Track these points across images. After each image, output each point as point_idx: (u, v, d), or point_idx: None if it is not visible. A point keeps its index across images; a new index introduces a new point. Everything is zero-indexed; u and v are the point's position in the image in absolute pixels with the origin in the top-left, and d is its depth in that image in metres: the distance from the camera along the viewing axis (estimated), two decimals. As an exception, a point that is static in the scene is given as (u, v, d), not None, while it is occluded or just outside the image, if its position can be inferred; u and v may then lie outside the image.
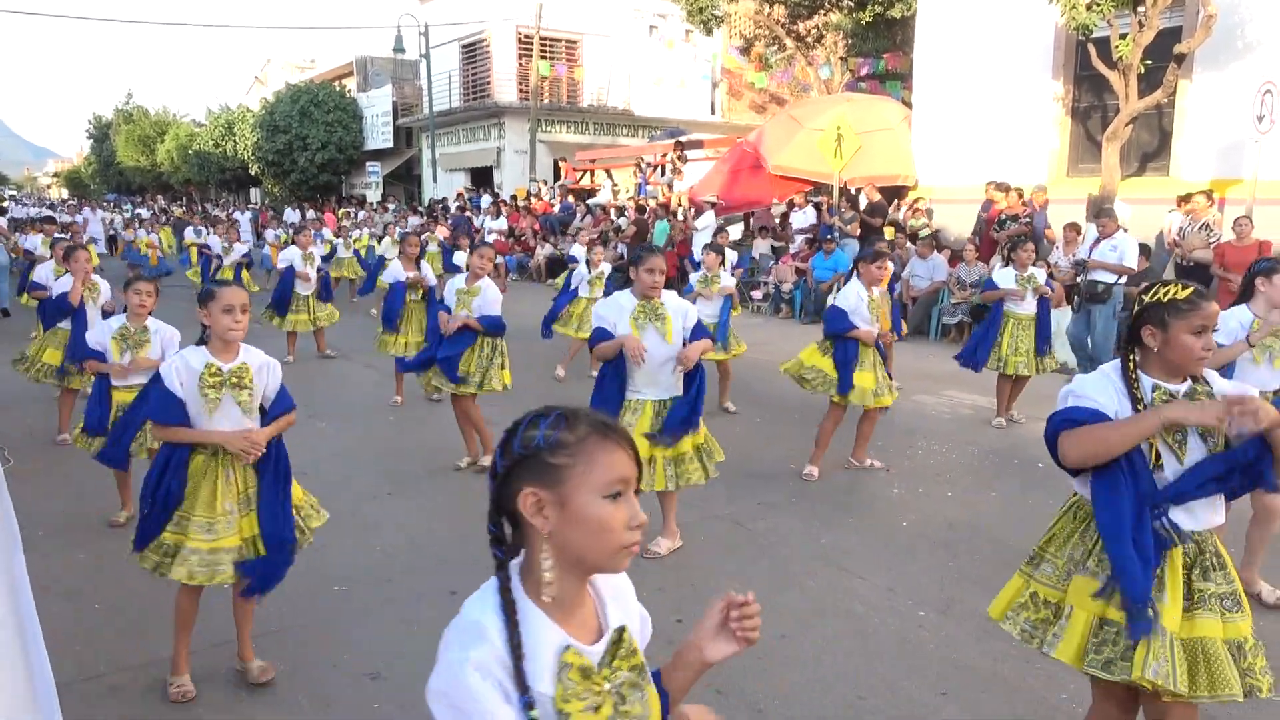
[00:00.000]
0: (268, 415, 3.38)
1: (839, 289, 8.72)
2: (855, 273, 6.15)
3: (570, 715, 1.24)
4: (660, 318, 4.44)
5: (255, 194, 43.05)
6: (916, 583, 4.41)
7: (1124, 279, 9.02)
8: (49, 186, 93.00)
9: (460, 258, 11.71)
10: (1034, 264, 7.47)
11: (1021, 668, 3.57)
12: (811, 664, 3.61)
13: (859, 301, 5.86)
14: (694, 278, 7.92)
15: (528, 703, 1.21)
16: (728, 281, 7.82)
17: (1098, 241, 9.27)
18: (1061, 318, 9.29)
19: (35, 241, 13.16)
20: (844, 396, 5.85)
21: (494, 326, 5.97)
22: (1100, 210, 9.38)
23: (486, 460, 5.88)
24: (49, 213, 24.59)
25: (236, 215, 25.60)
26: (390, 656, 3.66)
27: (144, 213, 29.65)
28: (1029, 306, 7.25)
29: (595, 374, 5.61)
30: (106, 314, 6.86)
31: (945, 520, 5.30)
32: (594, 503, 1.26)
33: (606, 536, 1.27)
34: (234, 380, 3.27)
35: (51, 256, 9.10)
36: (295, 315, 10.03)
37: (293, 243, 11.13)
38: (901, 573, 4.53)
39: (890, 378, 6.17)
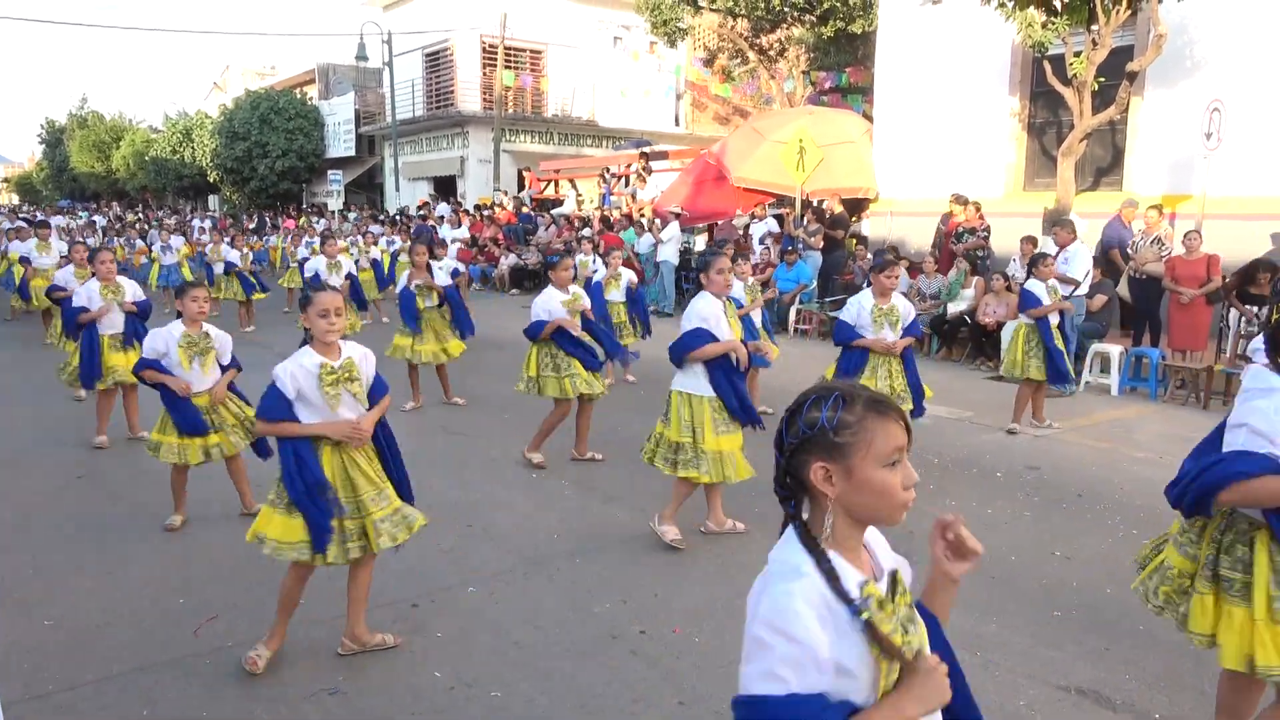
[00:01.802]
0: (373, 399, 3.68)
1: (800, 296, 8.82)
2: (866, 283, 6.21)
3: (880, 627, 1.41)
4: (733, 317, 4.95)
5: (213, 201, 42.41)
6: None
7: (1075, 290, 9.10)
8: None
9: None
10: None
11: (979, 674, 3.61)
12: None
13: (860, 310, 5.89)
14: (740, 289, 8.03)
15: (856, 609, 1.39)
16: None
17: (1057, 254, 9.41)
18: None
19: (27, 247, 12.80)
20: None
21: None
22: (1055, 221, 9.53)
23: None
24: (41, 217, 24.09)
25: (194, 221, 25.17)
26: (350, 671, 3.61)
27: (100, 220, 29.06)
28: (1053, 316, 7.46)
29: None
30: (132, 315, 6.94)
31: (905, 529, 5.32)
32: (877, 471, 1.45)
33: (888, 498, 1.47)
34: (345, 375, 3.56)
35: (71, 260, 9.04)
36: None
37: (321, 252, 11.63)
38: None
39: (911, 389, 5.97)
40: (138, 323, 6.92)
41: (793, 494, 1.52)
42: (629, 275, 9.28)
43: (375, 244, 16.74)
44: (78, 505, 5.69)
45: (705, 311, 4.80)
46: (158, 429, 5.12)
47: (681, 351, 4.85)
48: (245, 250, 14.04)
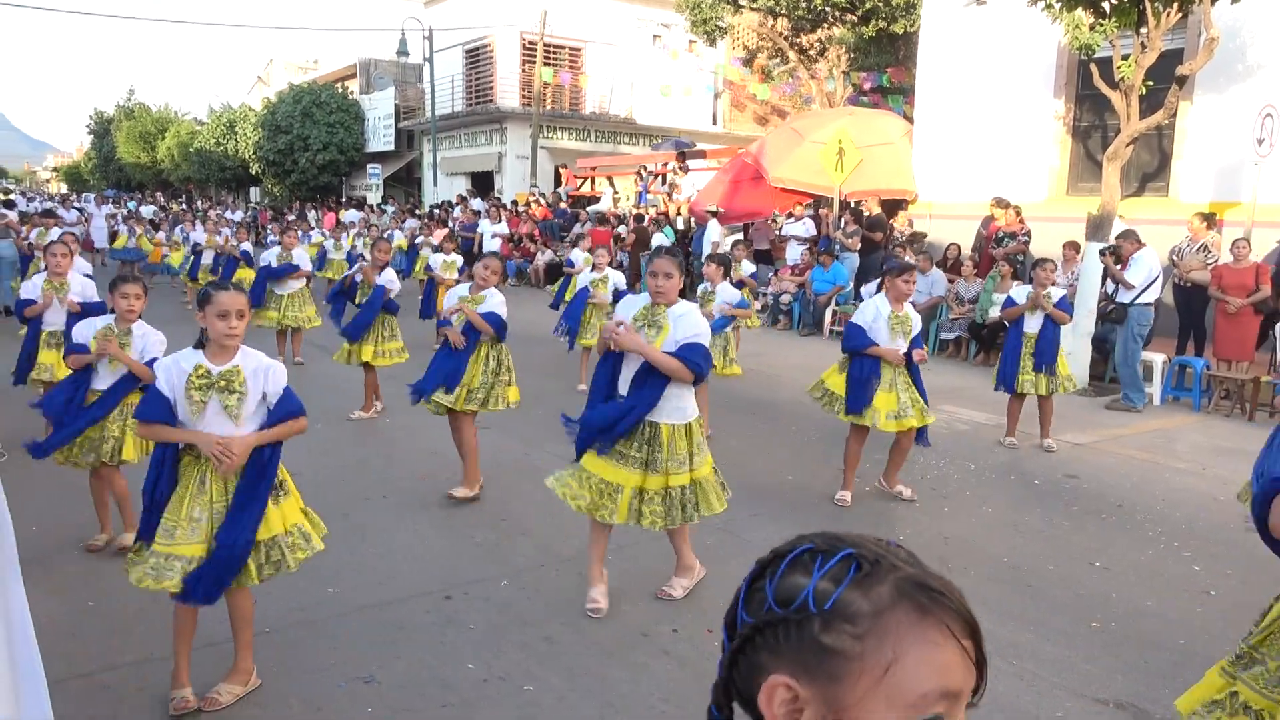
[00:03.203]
0: (269, 419, 3.29)
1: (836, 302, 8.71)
2: (880, 286, 5.89)
3: None
4: (656, 325, 4.07)
5: (255, 193, 43.03)
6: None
7: (1139, 298, 8.83)
8: (48, 181, 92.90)
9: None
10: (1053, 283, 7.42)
11: (1014, 684, 3.56)
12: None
13: (876, 316, 5.61)
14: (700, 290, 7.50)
15: None
16: (729, 295, 7.40)
17: (1124, 263, 9.09)
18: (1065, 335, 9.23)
19: (34, 235, 13.09)
20: (854, 416, 5.60)
21: (496, 325, 5.63)
22: (1122, 233, 9.25)
23: (460, 493, 5.62)
24: (50, 205, 24.57)
25: (228, 214, 25.52)
26: (383, 660, 3.64)
27: (145, 210, 29.60)
28: (1034, 325, 7.16)
29: (583, 387, 5.54)
30: (72, 315, 6.39)
31: (940, 535, 5.29)
32: None
33: None
34: (222, 384, 3.20)
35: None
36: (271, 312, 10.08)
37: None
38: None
39: (923, 399, 5.81)
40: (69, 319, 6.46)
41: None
42: (617, 277, 8.93)
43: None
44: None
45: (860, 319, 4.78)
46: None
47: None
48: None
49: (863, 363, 5.61)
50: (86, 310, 6.32)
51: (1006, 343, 7.37)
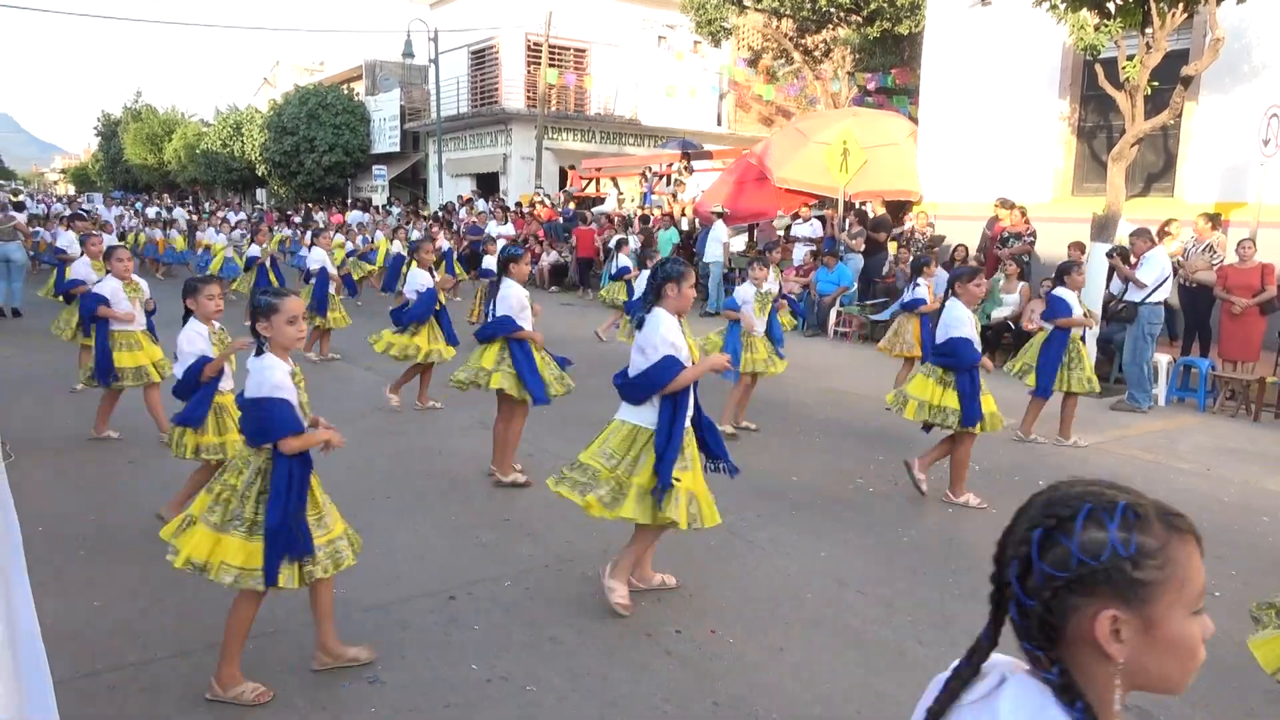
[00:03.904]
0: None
1: (891, 308, 8.69)
2: (951, 293, 5.84)
3: None
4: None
5: (261, 194, 43.15)
6: (915, 597, 4.41)
7: (1149, 297, 8.78)
8: (56, 183, 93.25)
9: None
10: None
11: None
12: (809, 676, 3.61)
13: (971, 325, 5.72)
14: (747, 292, 7.45)
15: None
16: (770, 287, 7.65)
17: (1136, 262, 9.06)
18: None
19: (70, 239, 12.92)
20: (973, 428, 5.70)
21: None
22: (1136, 230, 9.21)
23: (503, 477, 5.95)
24: (79, 209, 24.71)
25: (228, 215, 25.56)
26: (387, 660, 3.66)
27: (151, 211, 29.72)
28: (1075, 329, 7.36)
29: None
30: (149, 313, 6.93)
31: (946, 536, 5.30)
32: (1185, 622, 1.04)
33: (1192, 660, 1.05)
34: (300, 383, 3.38)
35: (84, 253, 9.09)
36: (333, 313, 10.59)
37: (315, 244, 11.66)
38: (900, 587, 4.53)
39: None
40: (149, 319, 6.92)
41: (1046, 653, 1.08)
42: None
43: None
44: (125, 492, 5.82)
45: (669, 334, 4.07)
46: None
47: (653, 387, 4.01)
48: (265, 245, 14.38)
49: (973, 375, 5.71)
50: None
51: (1051, 349, 7.29)
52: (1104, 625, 1.03)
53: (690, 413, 4.13)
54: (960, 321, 5.71)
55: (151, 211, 29.61)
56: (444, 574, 4.49)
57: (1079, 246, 10.61)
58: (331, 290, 10.65)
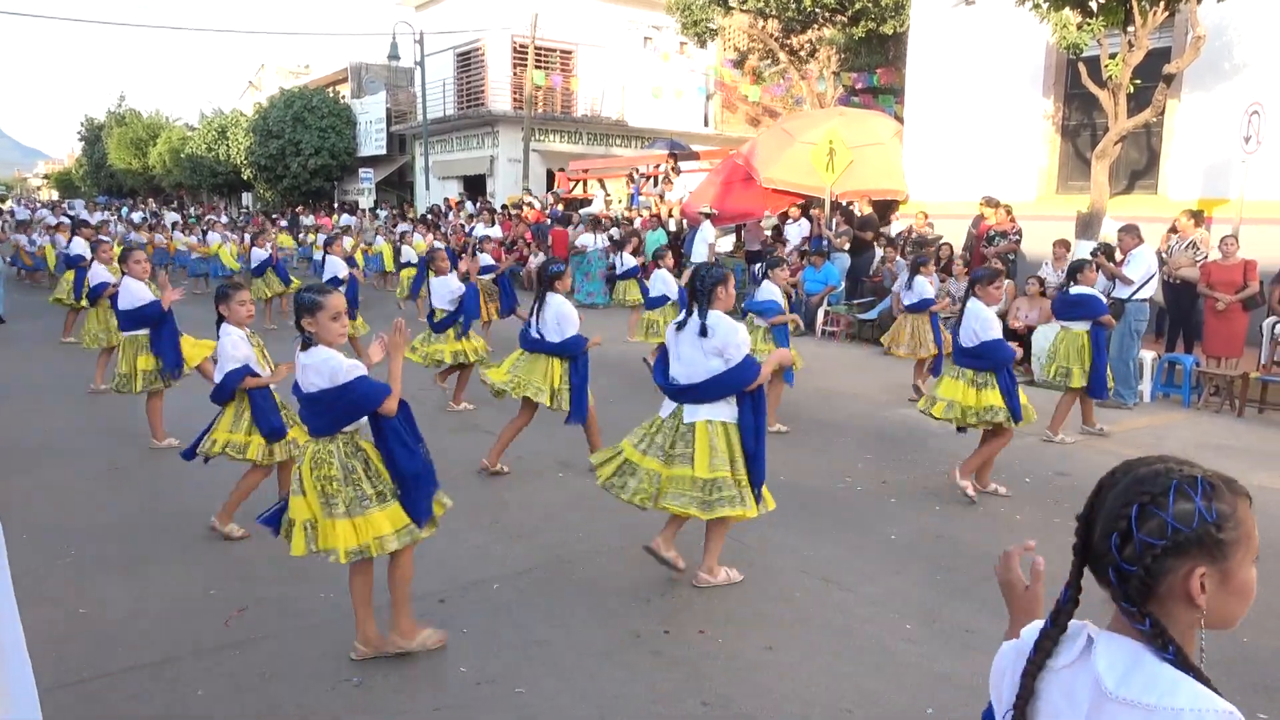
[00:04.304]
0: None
1: (909, 306, 8.79)
2: (972, 294, 5.93)
3: None
4: None
5: (247, 198, 42.97)
6: (902, 595, 4.42)
7: (1136, 294, 8.86)
8: (39, 188, 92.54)
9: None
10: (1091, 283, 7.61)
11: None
12: (797, 675, 3.62)
13: (998, 325, 5.84)
14: (776, 293, 7.84)
15: None
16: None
17: (1122, 259, 9.14)
18: (1049, 333, 9.26)
19: (81, 245, 12.81)
20: (1019, 421, 5.86)
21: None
22: (1124, 226, 9.27)
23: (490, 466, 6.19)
24: (63, 214, 24.68)
25: (211, 217, 25.45)
26: (376, 662, 3.65)
27: (136, 216, 29.55)
28: (1084, 323, 7.45)
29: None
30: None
31: (933, 534, 5.32)
32: (1250, 569, 1.25)
33: (1249, 599, 1.26)
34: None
35: (94, 259, 9.28)
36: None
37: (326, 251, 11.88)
38: (887, 585, 4.54)
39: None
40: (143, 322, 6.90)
41: (1142, 611, 1.23)
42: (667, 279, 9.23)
43: (411, 243, 16.89)
44: (108, 500, 5.79)
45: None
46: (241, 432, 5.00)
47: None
48: (268, 246, 14.39)
49: (1010, 372, 5.83)
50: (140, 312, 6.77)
51: (1099, 349, 7.43)
52: (1196, 582, 1.20)
53: None
54: (989, 323, 5.83)
55: (137, 216, 29.47)
56: (434, 577, 4.48)
57: (1064, 244, 10.67)
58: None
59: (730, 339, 4.20)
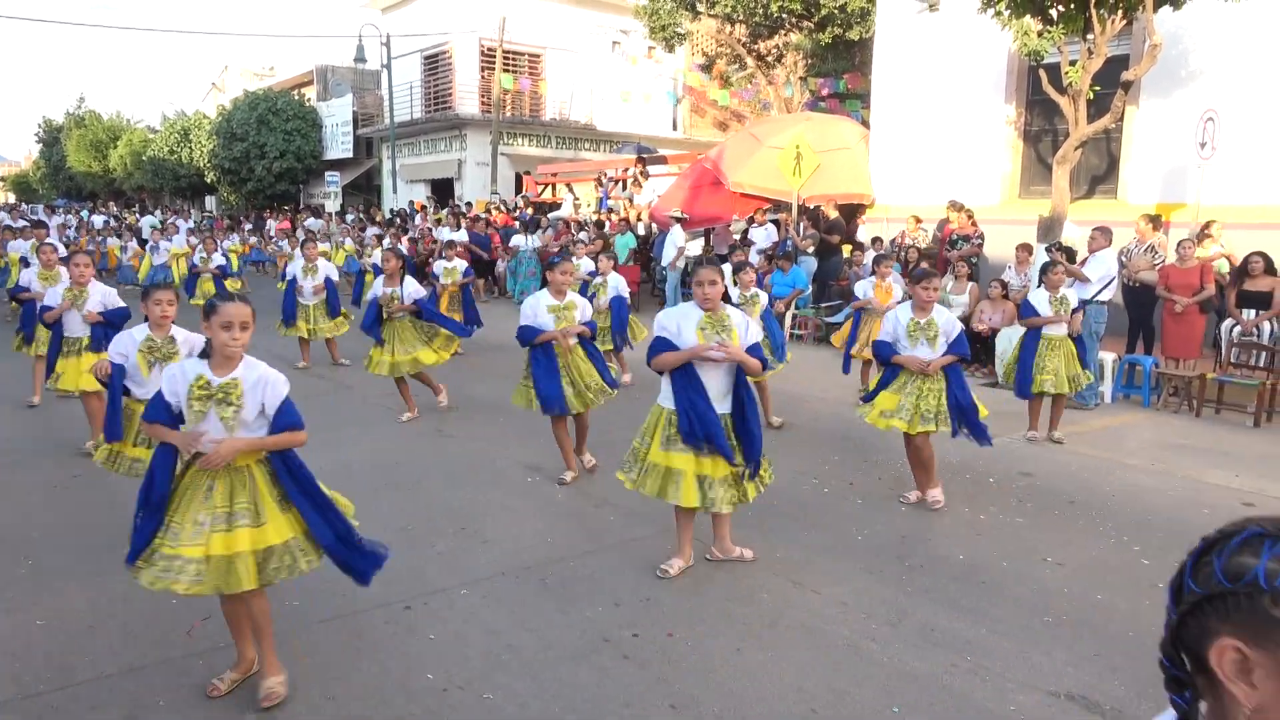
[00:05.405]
0: (270, 431, 3.38)
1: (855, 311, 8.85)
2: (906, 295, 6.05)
3: None
4: (726, 329, 4.47)
5: (210, 201, 42.40)
6: (870, 596, 4.46)
7: (1096, 296, 8.98)
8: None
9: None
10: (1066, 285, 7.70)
11: (969, 679, 3.62)
12: (765, 676, 3.63)
13: (895, 325, 5.84)
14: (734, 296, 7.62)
15: None
16: (763, 298, 7.87)
17: (1085, 259, 9.29)
18: (1013, 335, 9.39)
19: (23, 246, 12.69)
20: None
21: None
22: (1097, 227, 9.41)
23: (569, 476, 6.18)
24: (39, 217, 24.24)
25: (177, 222, 25.08)
26: (342, 672, 3.62)
27: (97, 220, 29.04)
28: (1060, 327, 7.50)
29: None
30: (98, 325, 6.68)
31: (897, 533, 5.37)
32: None
33: None
34: (220, 395, 3.27)
35: (38, 262, 8.89)
36: (303, 323, 10.67)
37: (301, 253, 11.49)
38: (854, 585, 4.58)
39: (956, 409, 5.89)
40: (109, 331, 6.54)
41: (1184, 674, 0.99)
42: (617, 281, 9.15)
43: (378, 248, 16.77)
44: (69, 508, 5.69)
45: (667, 320, 4.53)
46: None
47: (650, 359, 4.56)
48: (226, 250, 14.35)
49: (890, 371, 5.90)
50: (115, 318, 6.62)
51: (1024, 349, 7.57)
52: (1220, 654, 0.92)
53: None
54: (886, 320, 5.97)
55: (99, 220, 28.96)
56: (400, 584, 4.45)
57: (1027, 248, 10.83)
58: (321, 299, 10.77)
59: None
